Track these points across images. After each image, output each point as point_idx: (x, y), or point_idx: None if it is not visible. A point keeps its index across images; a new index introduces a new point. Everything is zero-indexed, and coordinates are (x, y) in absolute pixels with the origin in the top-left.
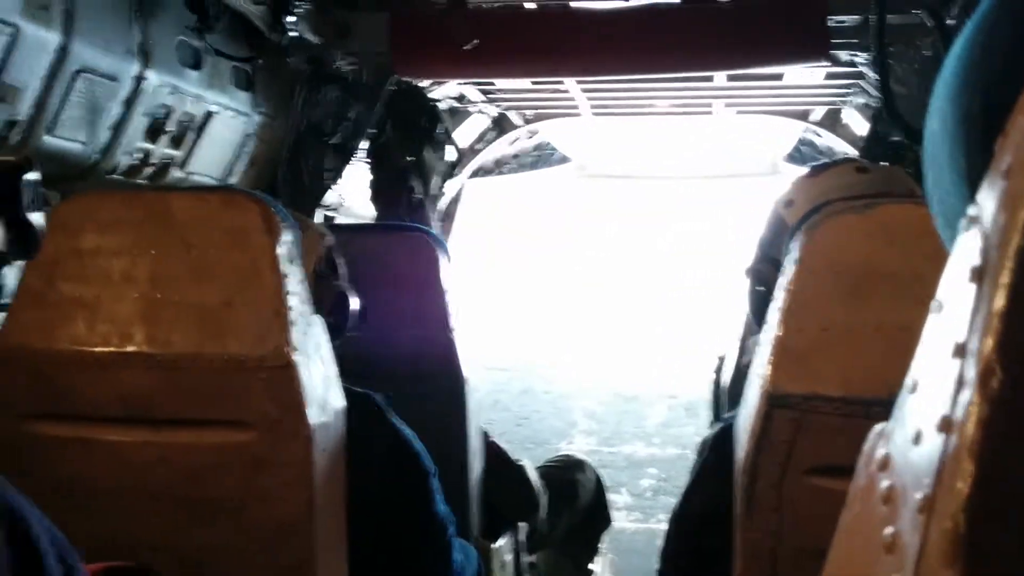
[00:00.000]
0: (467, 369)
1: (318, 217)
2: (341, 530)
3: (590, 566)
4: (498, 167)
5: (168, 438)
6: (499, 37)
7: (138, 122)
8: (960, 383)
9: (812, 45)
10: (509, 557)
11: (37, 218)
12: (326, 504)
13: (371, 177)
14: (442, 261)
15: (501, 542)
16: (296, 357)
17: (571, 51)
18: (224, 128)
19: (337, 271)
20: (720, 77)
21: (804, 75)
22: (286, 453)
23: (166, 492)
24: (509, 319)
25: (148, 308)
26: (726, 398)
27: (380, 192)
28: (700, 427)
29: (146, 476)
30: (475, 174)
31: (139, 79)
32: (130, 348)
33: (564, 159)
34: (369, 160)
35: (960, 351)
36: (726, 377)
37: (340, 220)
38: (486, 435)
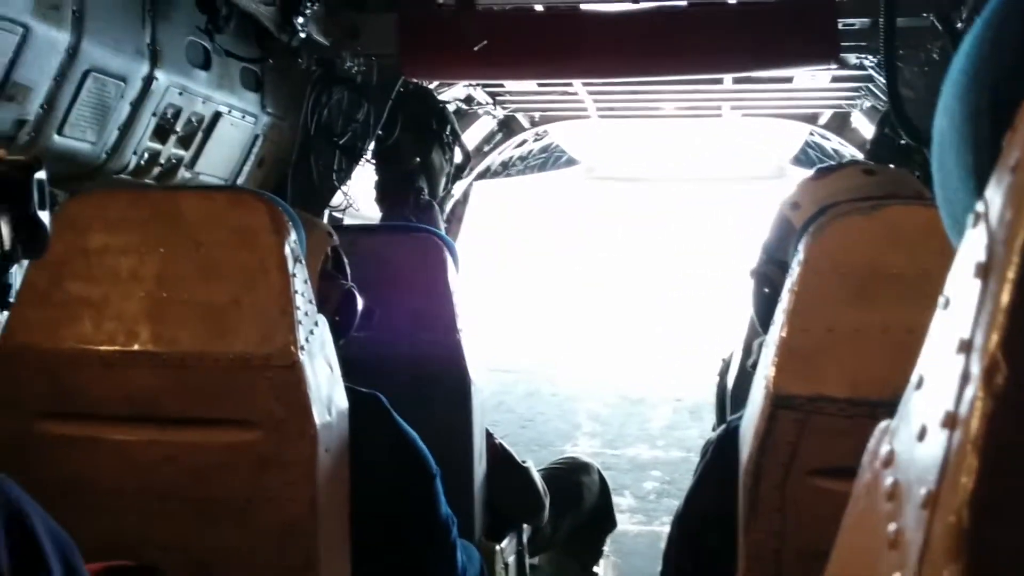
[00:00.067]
0: (473, 371)
1: (325, 218)
2: (344, 530)
3: (595, 568)
4: (505, 169)
5: (174, 437)
6: (507, 39)
7: (147, 122)
8: (965, 379)
9: (821, 48)
10: (512, 559)
11: (44, 217)
12: (329, 504)
13: (377, 178)
14: (449, 262)
15: (504, 543)
16: (302, 357)
17: (579, 53)
18: (232, 129)
19: (344, 271)
20: (728, 80)
21: (813, 78)
22: (291, 452)
23: (171, 491)
24: (515, 321)
25: (155, 307)
26: (731, 401)
27: (386, 193)
28: (704, 430)
29: (152, 475)
30: (482, 176)
31: (148, 79)
32: (136, 347)
33: (571, 161)
34: (376, 161)
35: (965, 347)
36: (731, 380)
37: (348, 221)
38: (491, 436)
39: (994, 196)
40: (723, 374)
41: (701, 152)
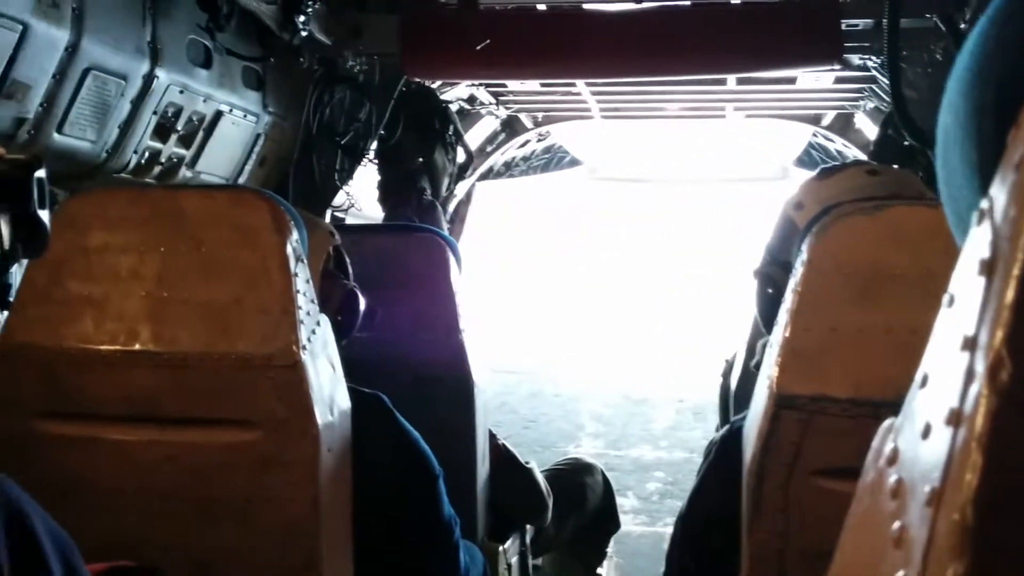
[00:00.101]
0: (476, 371)
1: (327, 217)
2: (347, 530)
3: (598, 569)
4: (508, 169)
5: (175, 437)
6: (510, 39)
7: (147, 121)
8: (969, 376)
9: (825, 49)
10: (515, 559)
11: (43, 216)
12: (332, 504)
13: (380, 178)
14: (452, 263)
15: (507, 544)
16: (304, 356)
17: (582, 53)
18: (234, 128)
19: (346, 271)
20: (732, 81)
21: (816, 79)
22: (293, 453)
23: (172, 491)
24: (519, 321)
25: (155, 306)
26: (734, 401)
27: (388, 193)
28: (708, 431)
29: (152, 475)
30: (485, 176)
31: (149, 78)
32: (137, 346)
33: (574, 162)
34: (378, 161)
35: (969, 344)
36: (734, 380)
37: (350, 221)
38: (494, 437)
39: (999, 193)
40: (726, 375)
41: (704, 153)
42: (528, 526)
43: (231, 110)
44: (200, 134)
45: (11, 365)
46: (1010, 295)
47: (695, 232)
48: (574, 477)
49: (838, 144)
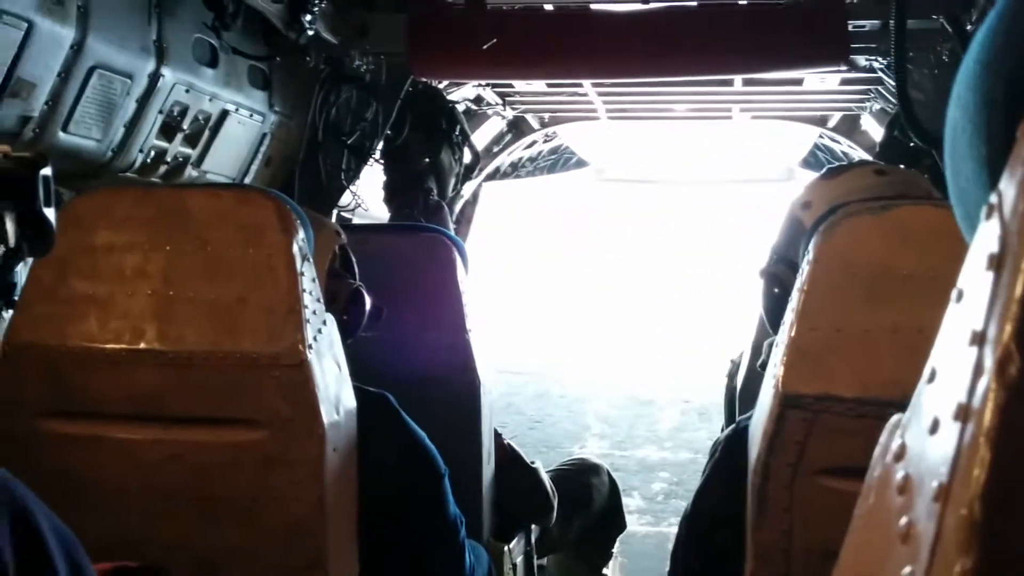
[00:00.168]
0: (482, 371)
1: (333, 217)
2: (352, 530)
3: (603, 570)
4: (515, 170)
5: (179, 436)
6: (517, 39)
7: (153, 120)
8: (978, 370)
9: (831, 49)
10: (520, 559)
11: (49, 214)
12: (337, 504)
13: (385, 178)
14: (459, 263)
15: (513, 544)
16: (310, 356)
17: (589, 53)
18: (240, 127)
19: (352, 270)
20: (738, 82)
21: (822, 80)
22: (298, 452)
23: (177, 490)
24: (525, 322)
25: (161, 305)
26: (740, 402)
27: (395, 193)
28: (713, 432)
29: (157, 474)
30: (491, 177)
31: (154, 76)
32: (142, 345)
33: (581, 163)
34: (384, 161)
35: (978, 339)
36: (740, 381)
37: (357, 221)
38: (499, 437)
39: (1007, 187)
40: (732, 375)
41: (711, 154)
42: (533, 526)
43: (237, 109)
44: (206, 133)
45: (16, 364)
46: (1019, 289)
47: (701, 233)
48: (580, 477)
49: (844, 145)
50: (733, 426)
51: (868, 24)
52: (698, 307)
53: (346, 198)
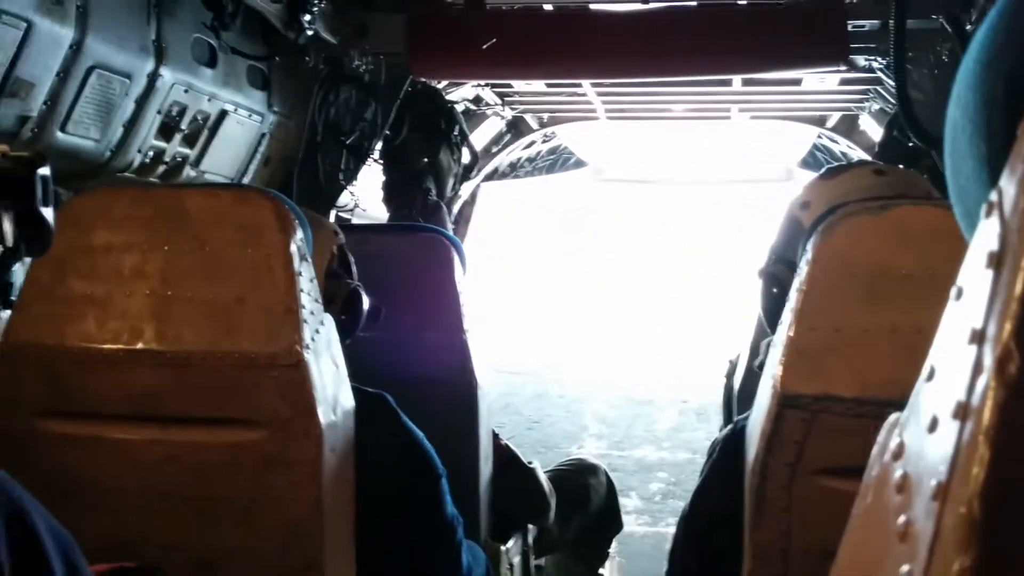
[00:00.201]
0: (480, 371)
1: (332, 217)
2: (350, 530)
3: (600, 570)
4: (513, 170)
5: (177, 436)
6: (516, 39)
7: (151, 120)
8: (977, 369)
9: (831, 49)
10: (517, 559)
11: (47, 214)
12: (335, 504)
13: (384, 178)
14: (457, 263)
15: (510, 544)
16: (308, 356)
17: (588, 53)
18: (238, 127)
19: (350, 270)
20: (737, 82)
21: (821, 81)
22: (296, 452)
23: (175, 491)
24: (523, 322)
25: (159, 305)
26: (738, 402)
27: (394, 193)
28: (711, 432)
29: (155, 475)
30: (490, 177)
31: (153, 76)
32: (140, 345)
33: (580, 163)
34: (383, 161)
35: (977, 337)
36: (738, 381)
37: (355, 221)
38: (497, 437)
39: (1008, 185)
40: (730, 375)
41: (709, 154)
42: (531, 526)
43: (236, 109)
44: (204, 133)
45: (14, 364)
46: (1019, 287)
47: (700, 233)
48: (577, 478)
49: (843, 146)
50: (731, 426)
51: (867, 24)
52: (697, 307)
53: (344, 198)
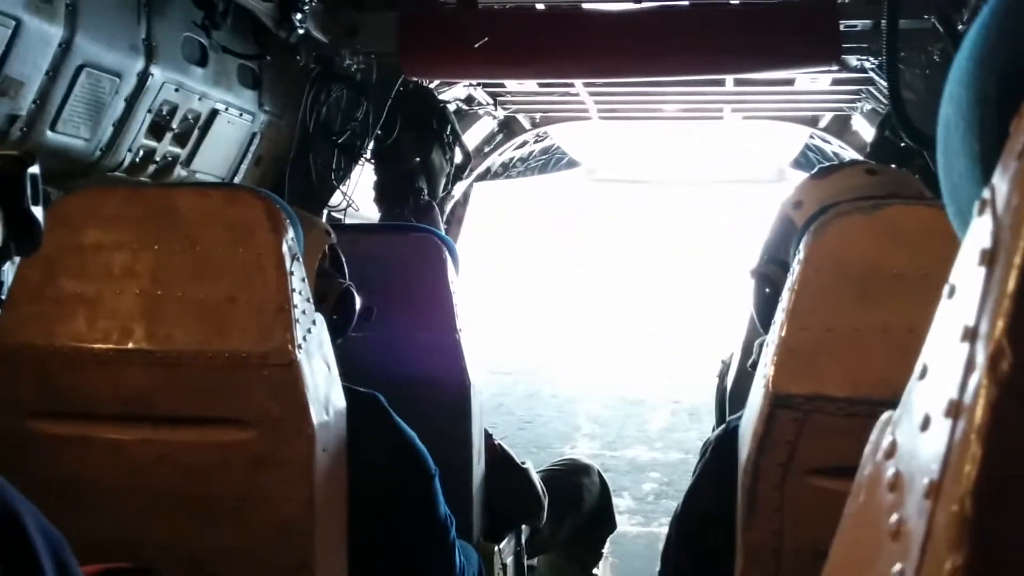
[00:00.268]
0: (472, 372)
1: (323, 217)
2: (342, 530)
3: (594, 570)
4: (506, 170)
5: (168, 436)
6: (508, 38)
7: (142, 119)
8: (969, 367)
9: (823, 49)
10: (511, 560)
11: (37, 213)
12: (327, 504)
13: (376, 178)
14: (449, 263)
15: (503, 544)
16: (299, 355)
17: (581, 53)
18: (229, 126)
19: (342, 269)
20: (729, 82)
21: (813, 81)
22: (288, 452)
23: (166, 490)
24: (516, 322)
25: (150, 304)
26: (730, 402)
27: (385, 193)
28: (703, 432)
29: (146, 474)
30: (482, 177)
31: (143, 75)
32: (131, 345)
33: (572, 163)
34: (374, 160)
35: (970, 335)
36: (730, 381)
37: (347, 221)
38: (490, 437)
39: (1000, 182)
40: (723, 375)
41: (702, 154)
42: (524, 526)
43: (227, 108)
44: (195, 132)
45: (4, 364)
46: (1011, 284)
47: (692, 233)
48: (570, 478)
49: (835, 146)
50: (723, 426)
51: (860, 24)
52: (689, 307)
53: (336, 198)
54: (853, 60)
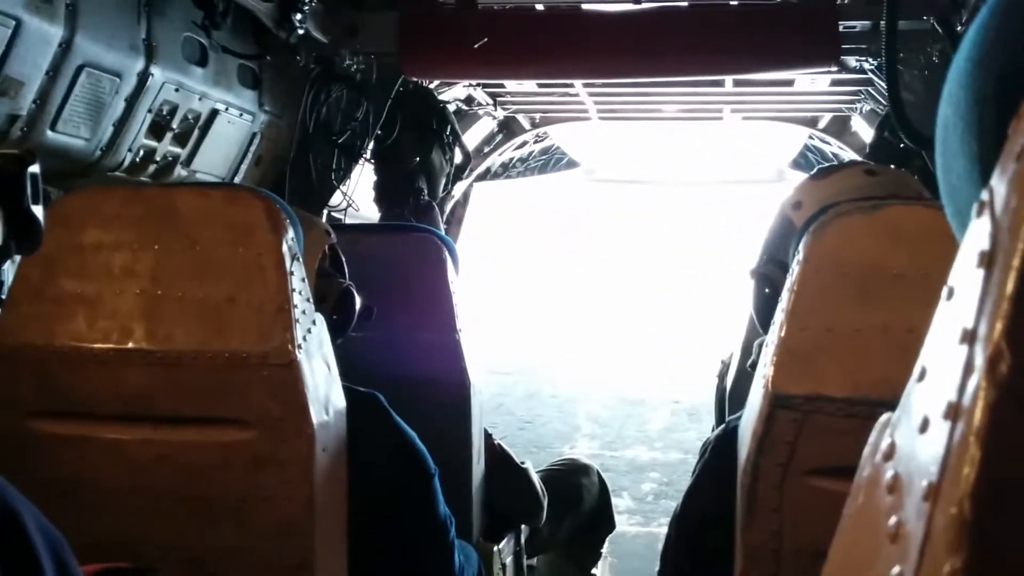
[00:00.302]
0: (472, 372)
1: (324, 217)
2: (342, 530)
3: (593, 570)
4: (505, 170)
5: (168, 436)
6: (508, 38)
7: (142, 119)
8: (968, 369)
9: (822, 50)
10: (510, 560)
11: (37, 212)
12: (326, 504)
13: (376, 178)
14: (449, 263)
15: (502, 544)
16: (299, 355)
17: (581, 53)
18: (230, 126)
19: (342, 269)
20: (729, 83)
21: (812, 82)
22: (288, 452)
23: (166, 490)
24: (516, 322)
25: (150, 304)
26: (730, 402)
27: (385, 193)
28: (703, 432)
29: (146, 474)
30: (482, 177)
31: (144, 75)
32: (131, 345)
33: (572, 163)
34: (375, 161)
35: (968, 337)
36: (730, 381)
37: (347, 221)
38: (490, 437)
39: (999, 184)
40: (722, 375)
41: (701, 155)
42: (523, 526)
43: (227, 108)
44: (195, 132)
45: (4, 363)
46: (1010, 287)
47: (692, 233)
48: (570, 478)
49: (834, 147)
50: (723, 426)
51: (859, 25)
52: (689, 307)
53: (336, 198)
54: (852, 61)
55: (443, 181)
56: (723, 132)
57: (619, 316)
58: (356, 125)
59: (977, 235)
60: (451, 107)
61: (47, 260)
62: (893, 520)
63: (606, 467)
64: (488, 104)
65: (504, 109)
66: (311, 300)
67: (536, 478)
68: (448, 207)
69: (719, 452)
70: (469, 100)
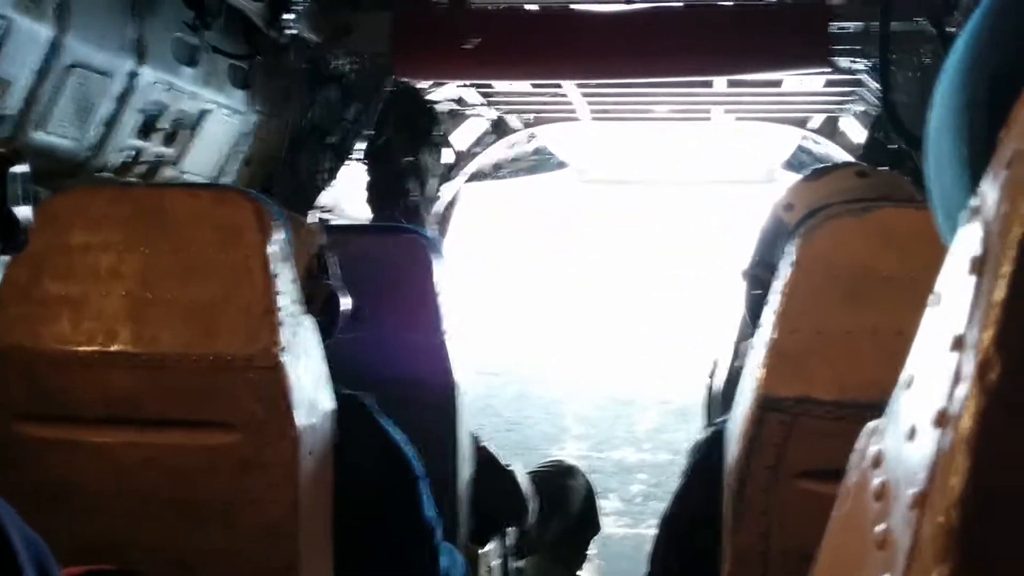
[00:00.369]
0: (459, 373)
1: (312, 217)
2: (327, 533)
3: (580, 572)
4: (496, 171)
5: (154, 439)
6: (500, 38)
7: (131, 119)
8: (957, 376)
9: (813, 51)
10: (497, 562)
11: (25, 212)
12: (312, 506)
13: (368, 179)
14: (436, 264)
15: (489, 547)
16: (285, 357)
17: (572, 53)
18: (219, 126)
19: (329, 271)
20: (720, 83)
21: (803, 82)
22: (272, 455)
23: (152, 493)
24: (506, 323)
25: (136, 306)
26: (719, 403)
27: (377, 193)
28: (692, 433)
29: (132, 477)
30: (473, 178)
31: (133, 75)
32: (116, 347)
33: (562, 164)
34: (367, 161)
35: (958, 344)
36: (720, 382)
37: (336, 222)
38: (477, 440)
39: (990, 190)
40: (712, 375)
41: (693, 155)
42: (510, 529)
43: (217, 109)
44: (185, 133)
45: None
46: (1000, 293)
47: (684, 233)
48: (556, 479)
49: (825, 147)
50: (712, 428)
51: (851, 26)
52: (680, 307)
53: (325, 198)
54: (844, 62)
55: (433, 182)
56: (715, 133)
57: (610, 316)
58: (347, 125)
59: (967, 241)
60: (442, 107)
61: (35, 261)
62: (881, 527)
63: (594, 468)
64: (479, 104)
65: (496, 109)
66: (299, 302)
67: (523, 480)
68: (438, 208)
69: (708, 453)
70: (461, 100)
